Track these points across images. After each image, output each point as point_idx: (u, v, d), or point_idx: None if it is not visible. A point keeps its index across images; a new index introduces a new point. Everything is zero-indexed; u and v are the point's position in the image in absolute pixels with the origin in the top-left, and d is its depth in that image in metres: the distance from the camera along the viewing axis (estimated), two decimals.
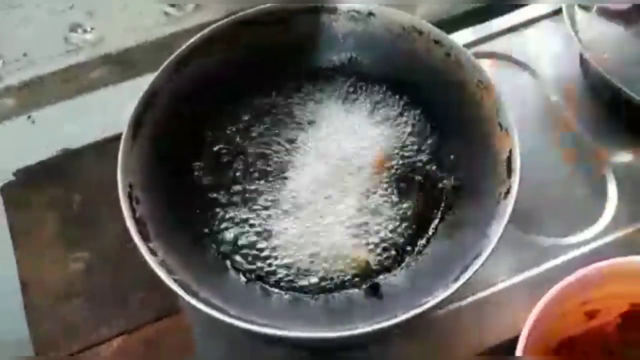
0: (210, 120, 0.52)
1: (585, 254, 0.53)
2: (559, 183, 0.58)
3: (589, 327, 0.44)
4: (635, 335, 0.45)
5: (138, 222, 0.41)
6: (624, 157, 0.59)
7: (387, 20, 0.51)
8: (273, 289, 0.46)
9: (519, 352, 0.38)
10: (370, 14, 0.51)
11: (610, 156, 0.58)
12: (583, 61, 0.63)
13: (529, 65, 0.64)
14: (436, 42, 0.49)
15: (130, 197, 0.42)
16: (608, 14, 0.62)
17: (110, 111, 0.63)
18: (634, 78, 0.56)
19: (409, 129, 0.53)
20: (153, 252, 0.40)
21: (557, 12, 0.65)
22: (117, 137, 0.45)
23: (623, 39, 0.61)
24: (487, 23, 0.67)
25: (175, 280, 0.39)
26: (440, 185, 0.50)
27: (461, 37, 0.65)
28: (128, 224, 0.41)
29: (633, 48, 0.60)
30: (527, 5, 0.68)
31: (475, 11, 0.73)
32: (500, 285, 0.51)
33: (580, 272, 0.41)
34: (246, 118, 0.53)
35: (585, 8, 0.63)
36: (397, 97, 0.54)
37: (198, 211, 0.49)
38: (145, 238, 0.41)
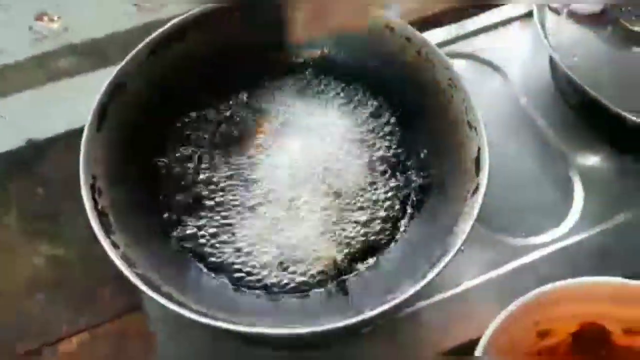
0: (177, 112, 0.52)
1: (550, 254, 0.53)
2: (526, 183, 0.58)
3: (541, 347, 0.45)
4: (586, 356, 0.45)
5: (100, 214, 0.40)
6: (591, 159, 0.59)
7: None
8: (236, 284, 0.45)
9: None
10: None
11: (577, 158, 0.59)
12: (552, 63, 0.64)
13: (499, 66, 0.65)
14: (408, 39, 0.50)
15: (92, 188, 0.41)
16: (578, 18, 0.63)
17: (78, 102, 0.62)
18: (602, 81, 0.57)
19: (379, 126, 0.53)
20: (115, 245, 0.39)
21: (529, 14, 0.66)
22: (80, 130, 0.44)
23: (592, 43, 0.62)
24: (459, 23, 0.68)
25: (136, 274, 0.38)
26: (409, 182, 0.50)
27: (434, 36, 0.65)
28: (90, 216, 0.40)
29: (601, 51, 0.61)
30: (499, 6, 0.68)
31: (448, 11, 0.73)
32: (467, 284, 0.52)
33: (533, 293, 0.41)
34: (214, 111, 0.53)
35: (556, 11, 0.64)
36: (368, 94, 0.54)
37: (162, 205, 0.48)
38: (107, 230, 0.40)
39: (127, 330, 0.60)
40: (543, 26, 0.60)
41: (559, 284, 0.42)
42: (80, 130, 0.44)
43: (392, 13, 0.51)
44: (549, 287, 0.41)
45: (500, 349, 0.40)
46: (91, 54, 0.68)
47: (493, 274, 0.52)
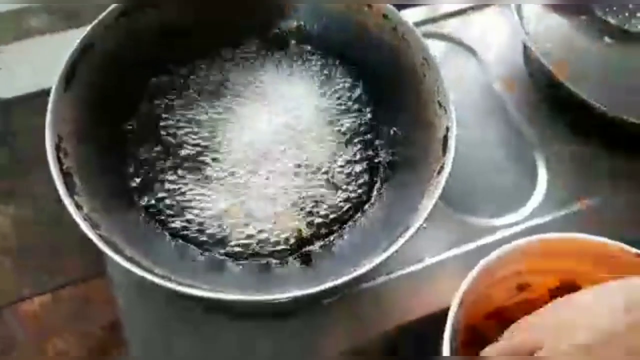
0: (148, 76, 0.51)
1: (512, 235, 0.55)
2: (492, 166, 0.59)
3: (520, 300, 0.46)
4: None
5: (65, 174, 0.40)
6: (556, 145, 0.61)
7: None
8: (202, 250, 0.46)
9: (451, 314, 0.40)
10: None
11: (543, 143, 0.60)
12: (526, 49, 0.64)
13: (474, 49, 0.66)
14: (385, 16, 0.49)
15: (58, 148, 0.41)
16: (554, 7, 0.64)
17: (48, 62, 0.60)
18: (573, 69, 0.58)
19: (351, 101, 0.53)
20: (78, 206, 0.39)
21: None
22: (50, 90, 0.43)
23: (566, 31, 0.63)
24: (438, 4, 0.68)
25: (99, 236, 0.38)
26: (378, 157, 0.51)
27: (411, 14, 0.66)
28: (54, 176, 0.39)
29: (574, 40, 0.62)
30: None
31: None
32: (429, 261, 0.53)
33: (516, 243, 0.42)
34: (186, 78, 0.52)
35: None
36: (342, 68, 0.54)
37: (129, 168, 0.48)
38: (71, 191, 0.39)
39: (90, 294, 0.60)
40: (519, 12, 0.61)
41: (545, 236, 0.43)
42: (50, 90, 0.43)
43: None
44: (534, 238, 0.43)
45: (476, 300, 0.42)
46: (64, 13, 0.66)
47: (456, 251, 0.54)
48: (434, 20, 0.67)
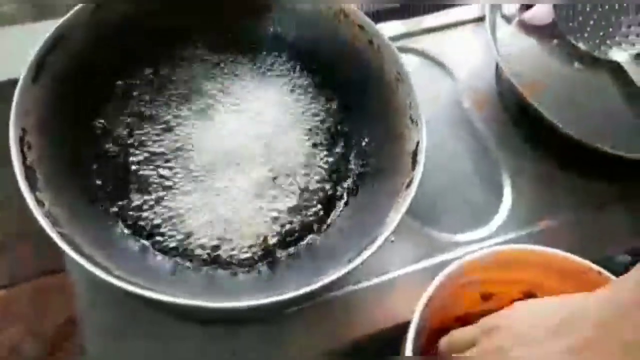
0: (120, 73, 0.50)
1: (475, 251, 0.55)
2: (459, 182, 0.60)
3: (483, 309, 0.47)
4: None
5: (27, 168, 0.39)
6: (522, 164, 0.62)
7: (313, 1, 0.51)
8: (163, 254, 0.45)
9: (415, 319, 0.40)
10: None
11: (509, 162, 0.61)
12: (498, 69, 0.65)
13: (447, 66, 0.66)
14: (361, 27, 0.50)
15: (22, 141, 0.39)
16: (527, 28, 0.65)
17: (16, 52, 0.59)
18: (542, 91, 0.59)
19: (323, 109, 0.53)
20: (40, 203, 0.38)
21: (481, 19, 0.67)
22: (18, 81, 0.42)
23: (537, 54, 0.64)
24: (413, 19, 0.69)
25: (60, 234, 0.37)
26: (348, 168, 0.51)
27: (387, 28, 0.66)
28: (16, 170, 0.38)
29: (545, 63, 0.64)
30: (454, 6, 0.70)
31: (404, 6, 0.74)
32: (394, 273, 0.53)
33: (480, 253, 0.43)
34: (158, 78, 0.52)
35: (507, 20, 0.65)
36: (316, 77, 0.54)
37: (94, 166, 0.47)
38: (33, 186, 0.38)
39: (46, 290, 0.58)
40: (493, 32, 0.62)
41: (499, 249, 0.44)
42: (17, 81, 0.42)
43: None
44: (489, 250, 0.43)
45: (443, 305, 0.43)
46: (35, 3, 0.65)
47: (421, 265, 0.54)
48: (409, 35, 0.67)
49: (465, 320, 0.46)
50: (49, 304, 0.58)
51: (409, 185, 0.44)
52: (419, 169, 0.44)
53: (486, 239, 0.57)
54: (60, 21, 0.44)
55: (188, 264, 0.45)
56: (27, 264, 0.59)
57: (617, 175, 0.61)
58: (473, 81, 0.66)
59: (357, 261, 0.40)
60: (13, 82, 0.60)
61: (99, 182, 0.46)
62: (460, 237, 0.56)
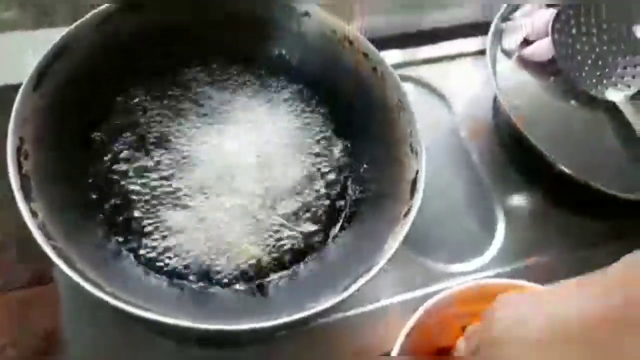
0: (121, 86, 0.50)
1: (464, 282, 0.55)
2: (453, 212, 0.60)
3: None
4: None
5: (22, 177, 0.38)
6: (516, 198, 0.62)
7: (321, 24, 0.51)
8: (157, 273, 0.44)
9: (395, 349, 0.40)
10: (306, 13, 0.51)
11: (504, 196, 0.62)
12: (495, 102, 0.66)
13: (446, 96, 0.67)
14: (365, 54, 0.50)
15: (19, 150, 0.39)
16: (526, 64, 0.66)
17: (15, 58, 0.59)
18: (538, 127, 0.59)
19: (323, 133, 0.53)
20: (33, 213, 0.37)
21: (481, 52, 0.68)
22: (16, 87, 0.42)
23: (535, 90, 0.65)
24: (416, 49, 0.70)
25: (53, 247, 0.36)
26: (345, 193, 0.51)
27: (390, 56, 0.67)
28: (12, 179, 0.38)
29: (542, 99, 0.65)
30: (456, 39, 0.71)
31: (406, 36, 0.74)
32: (384, 302, 0.53)
33: (459, 287, 0.43)
34: (158, 95, 0.51)
35: (507, 54, 0.66)
36: (317, 100, 0.54)
37: (90, 179, 0.46)
38: (27, 196, 0.38)
39: (31, 301, 0.57)
40: (493, 66, 0.63)
41: (483, 282, 0.44)
42: (14, 87, 0.42)
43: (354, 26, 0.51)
44: (473, 283, 0.44)
45: (424, 338, 0.42)
46: (37, 10, 0.65)
47: (409, 295, 0.54)
48: (410, 64, 0.68)
49: (446, 352, 0.46)
50: (33, 317, 0.56)
51: (407, 214, 0.43)
52: (418, 197, 0.44)
53: (479, 271, 0.57)
54: (65, 30, 0.44)
55: (180, 282, 0.44)
56: (11, 274, 0.58)
57: (610, 213, 0.62)
58: (471, 112, 0.67)
59: (353, 289, 0.39)
60: (10, 88, 0.60)
61: (94, 196, 0.45)
62: (452, 268, 0.56)
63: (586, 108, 0.64)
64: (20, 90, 0.41)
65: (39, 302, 0.57)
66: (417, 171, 0.45)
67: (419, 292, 0.54)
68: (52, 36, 0.44)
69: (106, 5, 0.46)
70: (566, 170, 0.56)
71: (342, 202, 0.50)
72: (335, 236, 0.49)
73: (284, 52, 0.54)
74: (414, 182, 0.45)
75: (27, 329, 0.57)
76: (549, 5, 0.67)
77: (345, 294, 0.39)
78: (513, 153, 0.64)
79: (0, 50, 0.64)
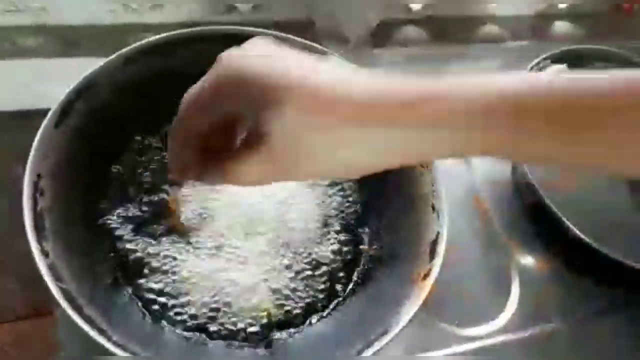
0: (142, 127, 0.49)
1: (476, 349, 0.54)
2: (468, 272, 0.59)
3: None
4: None
5: (37, 215, 0.37)
6: (532, 260, 0.61)
7: None
8: (165, 323, 0.43)
9: None
10: None
11: (519, 257, 0.60)
12: (514, 163, 0.65)
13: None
14: None
15: (35, 186, 0.38)
16: None
17: (33, 84, 0.58)
18: (557, 188, 0.59)
19: (340, 188, 0.52)
20: (45, 253, 0.36)
21: None
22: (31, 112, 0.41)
23: None
24: None
25: (60, 289, 0.35)
26: (361, 250, 0.49)
27: None
28: (25, 216, 0.37)
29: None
30: None
31: None
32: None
33: None
34: None
35: None
36: None
37: (105, 222, 0.45)
38: (40, 235, 0.36)
39: (26, 335, 0.56)
40: None
41: None
42: (28, 112, 0.41)
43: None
44: None
45: None
46: (62, 40, 0.65)
47: (422, 356, 0.52)
48: None
49: None
50: (26, 353, 0.54)
51: (425, 277, 0.42)
52: (438, 261, 0.43)
53: (491, 336, 0.55)
54: (88, 61, 0.44)
55: (185, 333, 0.43)
56: (9, 306, 0.56)
57: (627, 282, 0.60)
58: (489, 170, 0.66)
59: (368, 353, 0.38)
60: (23, 113, 0.59)
61: (107, 240, 0.44)
62: (464, 331, 0.54)
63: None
64: (42, 125, 0.40)
65: (36, 339, 0.55)
66: (437, 233, 0.44)
67: (429, 355, 0.52)
68: (72, 65, 0.44)
69: (135, 45, 0.45)
70: (583, 236, 0.55)
71: (357, 259, 0.49)
72: (348, 294, 0.47)
73: None
74: (434, 244, 0.44)
75: None
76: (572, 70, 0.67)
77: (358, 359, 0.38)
78: (531, 213, 0.63)
79: (21, 76, 0.63)
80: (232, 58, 0.30)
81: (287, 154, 0.29)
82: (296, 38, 0.48)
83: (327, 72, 0.29)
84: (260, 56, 0.30)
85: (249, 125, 0.29)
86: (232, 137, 0.32)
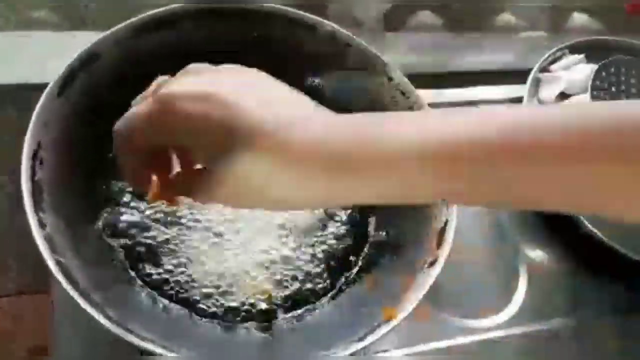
0: None
1: (480, 342, 0.53)
2: (474, 266, 0.58)
3: None
4: None
5: (34, 185, 0.36)
6: (540, 256, 0.60)
7: (361, 56, 0.49)
8: (163, 298, 0.42)
9: None
10: (348, 44, 0.49)
11: (527, 252, 0.59)
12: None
13: None
14: (403, 93, 0.48)
15: (35, 156, 0.37)
16: None
17: (38, 57, 0.58)
18: None
19: None
20: (42, 224, 0.35)
21: (517, 100, 0.66)
22: (37, 86, 0.40)
23: None
24: (445, 90, 0.68)
25: (56, 261, 0.34)
26: (366, 235, 0.48)
27: (426, 96, 0.65)
28: (23, 186, 0.35)
29: None
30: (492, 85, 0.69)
31: (437, 76, 0.73)
32: (392, 353, 0.50)
33: None
34: None
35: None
36: None
37: (104, 197, 0.44)
38: (37, 206, 0.35)
39: (21, 309, 0.55)
40: None
41: None
42: (32, 86, 0.40)
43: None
44: None
45: None
46: (69, 13, 0.64)
47: (420, 348, 0.51)
48: (445, 105, 0.66)
49: None
50: (21, 326, 0.54)
51: (431, 265, 0.41)
52: (445, 249, 0.41)
53: (495, 329, 0.54)
54: (97, 37, 0.42)
55: (185, 312, 0.42)
56: (6, 281, 0.56)
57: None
58: None
59: (371, 339, 0.37)
60: (27, 87, 0.58)
61: (105, 214, 0.43)
62: (469, 323, 0.54)
63: None
64: (44, 93, 0.38)
65: (30, 313, 0.55)
66: (446, 221, 0.43)
67: (431, 346, 0.51)
68: (78, 39, 0.42)
69: (140, 17, 0.44)
70: (596, 232, 0.54)
71: (362, 245, 0.48)
72: (352, 280, 0.46)
73: (317, 81, 0.52)
74: (443, 232, 0.43)
75: (15, 340, 0.55)
76: (589, 61, 0.65)
77: (360, 345, 0.37)
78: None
79: (27, 49, 0.63)
80: (175, 98, 0.29)
81: (234, 189, 0.29)
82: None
83: (278, 112, 0.29)
84: (201, 98, 0.29)
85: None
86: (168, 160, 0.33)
